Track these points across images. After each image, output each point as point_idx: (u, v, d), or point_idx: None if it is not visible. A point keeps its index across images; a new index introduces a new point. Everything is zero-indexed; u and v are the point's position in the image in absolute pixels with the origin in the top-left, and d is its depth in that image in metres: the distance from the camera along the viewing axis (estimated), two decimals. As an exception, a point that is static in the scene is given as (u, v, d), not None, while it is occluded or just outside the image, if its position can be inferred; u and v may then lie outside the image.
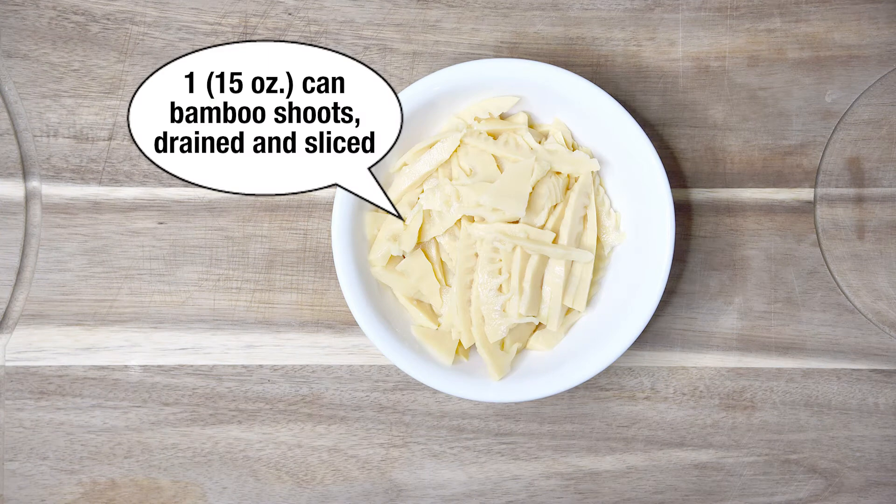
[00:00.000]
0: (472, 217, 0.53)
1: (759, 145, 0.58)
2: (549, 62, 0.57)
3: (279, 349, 0.57)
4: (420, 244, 0.54)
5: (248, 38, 0.57)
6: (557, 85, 0.52)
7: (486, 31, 0.57)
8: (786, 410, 0.57)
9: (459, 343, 0.54)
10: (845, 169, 0.58)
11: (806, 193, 0.58)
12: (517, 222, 0.53)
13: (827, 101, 0.58)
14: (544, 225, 0.53)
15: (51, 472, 0.57)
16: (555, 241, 0.53)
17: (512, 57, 0.56)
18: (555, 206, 0.53)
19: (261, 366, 0.57)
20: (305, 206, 0.57)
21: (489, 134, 0.54)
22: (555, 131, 0.54)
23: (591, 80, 0.58)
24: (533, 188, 0.53)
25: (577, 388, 0.57)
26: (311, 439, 0.57)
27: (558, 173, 0.54)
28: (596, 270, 0.54)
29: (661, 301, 0.57)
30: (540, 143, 0.54)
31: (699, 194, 0.58)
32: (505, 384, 0.52)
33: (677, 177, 0.57)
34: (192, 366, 0.57)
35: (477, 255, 0.53)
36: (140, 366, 0.57)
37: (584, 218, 0.54)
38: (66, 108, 0.57)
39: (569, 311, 0.54)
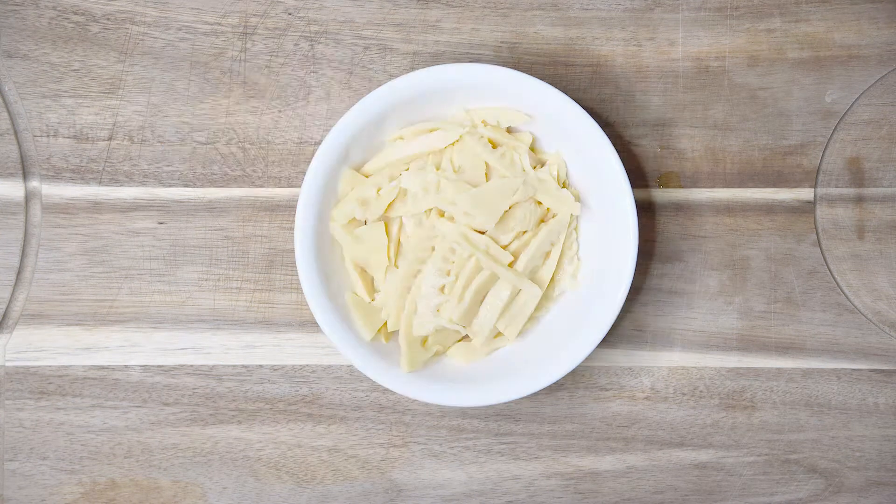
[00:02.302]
0: (443, 212, 0.53)
1: (759, 145, 0.58)
2: (549, 62, 0.57)
3: (279, 349, 0.57)
4: (385, 217, 0.54)
5: (248, 38, 0.57)
6: (567, 119, 0.52)
7: (486, 31, 0.57)
8: (786, 410, 0.57)
9: (385, 324, 0.54)
10: (845, 169, 0.58)
11: (806, 193, 0.58)
12: (483, 233, 0.53)
13: (827, 101, 0.58)
14: (507, 246, 0.53)
15: (51, 472, 0.57)
16: (510, 265, 0.53)
17: (540, 79, 0.54)
18: (524, 232, 0.54)
19: (261, 366, 0.57)
20: (305, 206, 0.57)
21: (490, 141, 0.54)
22: (552, 163, 0.54)
23: (591, 79, 0.58)
24: (510, 208, 0.53)
25: (577, 388, 0.57)
26: (311, 439, 0.57)
27: (539, 203, 0.54)
28: (539, 307, 0.55)
29: (660, 301, 0.57)
30: (535, 168, 0.54)
31: (699, 194, 0.58)
32: (410, 378, 0.52)
33: (677, 177, 0.57)
34: (192, 366, 0.57)
35: (433, 249, 0.53)
36: (140, 366, 0.57)
37: (548, 254, 0.54)
38: (66, 108, 0.57)
39: (499, 335, 0.54)
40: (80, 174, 0.57)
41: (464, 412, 0.57)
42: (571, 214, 0.54)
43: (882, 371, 0.57)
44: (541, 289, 0.54)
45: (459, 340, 0.55)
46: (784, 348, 0.57)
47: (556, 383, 0.57)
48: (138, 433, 0.57)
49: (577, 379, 0.57)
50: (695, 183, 0.58)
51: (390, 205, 0.53)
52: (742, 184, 0.58)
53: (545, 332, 0.55)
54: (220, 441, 0.57)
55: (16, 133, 0.57)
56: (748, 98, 0.58)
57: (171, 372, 0.57)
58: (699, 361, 0.57)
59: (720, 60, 0.58)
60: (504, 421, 0.57)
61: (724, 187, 0.58)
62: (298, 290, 0.57)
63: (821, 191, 0.58)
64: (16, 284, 0.57)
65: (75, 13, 0.57)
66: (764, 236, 0.58)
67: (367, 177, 0.54)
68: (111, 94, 0.57)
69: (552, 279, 0.55)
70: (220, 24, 0.57)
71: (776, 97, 0.58)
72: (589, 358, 0.57)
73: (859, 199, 0.58)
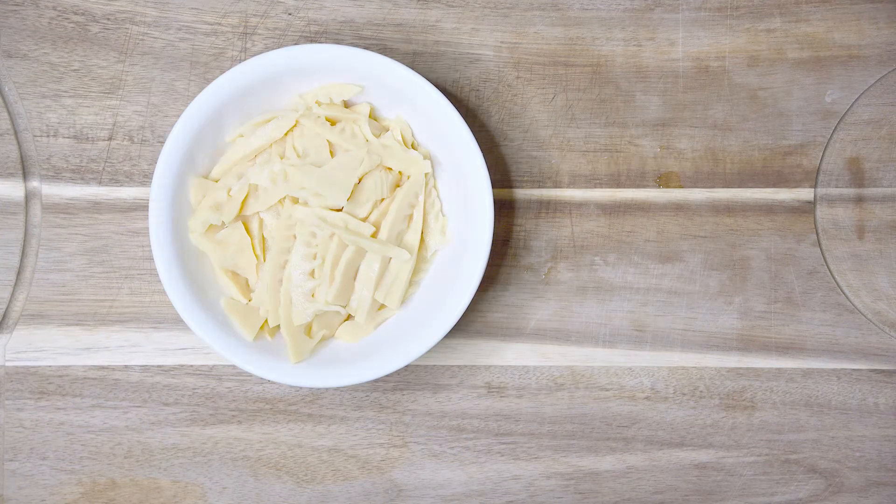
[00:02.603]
0: (297, 198, 0.53)
1: (759, 145, 0.58)
2: (549, 62, 0.57)
3: (279, 349, 0.57)
4: (242, 217, 0.54)
5: (248, 38, 0.57)
6: (399, 82, 0.52)
7: (485, 31, 0.57)
8: (786, 410, 0.57)
9: (266, 321, 0.54)
10: (845, 169, 0.58)
11: (806, 193, 0.58)
12: (340, 210, 0.53)
13: (827, 101, 0.58)
14: (367, 218, 0.53)
15: (51, 472, 0.57)
16: (374, 235, 0.53)
17: (362, 48, 0.54)
18: (381, 200, 0.54)
19: (261, 366, 0.57)
20: (305, 206, 0.57)
21: (328, 119, 0.54)
22: (394, 127, 0.54)
23: (591, 79, 0.58)
24: (360, 180, 0.53)
25: (577, 388, 0.57)
26: (311, 439, 0.57)
27: (390, 169, 0.54)
28: (417, 271, 0.55)
29: (660, 301, 0.57)
30: (378, 136, 0.54)
31: (699, 194, 0.58)
32: (299, 368, 0.52)
33: (677, 177, 0.57)
34: (192, 366, 0.57)
35: (295, 237, 0.53)
36: (140, 366, 0.57)
37: (411, 217, 0.54)
38: (66, 108, 0.57)
39: (382, 306, 0.54)
40: (80, 174, 0.57)
41: (464, 412, 0.57)
42: (425, 173, 0.54)
43: (882, 371, 0.57)
44: (410, 253, 0.54)
45: (346, 320, 0.54)
46: (784, 348, 0.57)
47: (555, 384, 0.57)
48: (138, 433, 0.57)
49: (577, 379, 0.57)
50: (695, 183, 0.58)
51: (244, 203, 0.53)
52: (742, 184, 0.58)
53: (427, 293, 0.55)
54: (220, 441, 0.57)
55: (16, 133, 0.57)
56: (748, 98, 0.58)
57: (171, 372, 0.57)
58: (699, 361, 0.57)
59: (720, 60, 0.58)
60: (504, 421, 0.57)
61: (724, 187, 0.58)
62: (298, 290, 0.57)
63: (821, 191, 0.58)
64: (16, 284, 0.57)
65: (75, 13, 0.57)
66: (764, 236, 0.58)
67: (216, 181, 0.54)
68: (111, 94, 0.57)
69: (422, 240, 0.54)
70: (220, 24, 0.57)
71: (776, 97, 0.58)
72: (589, 358, 0.57)
73: (859, 200, 0.58)
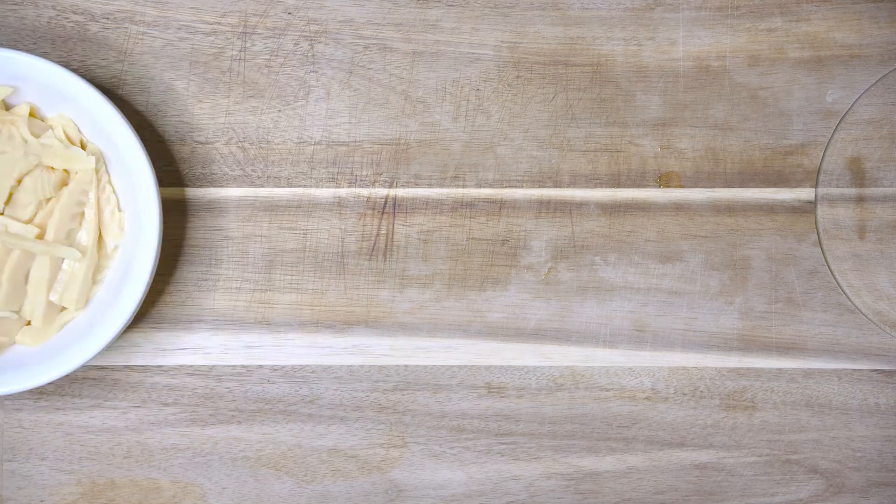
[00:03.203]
0: None
1: (759, 145, 0.58)
2: (549, 62, 0.57)
3: (279, 349, 0.57)
4: None
5: (247, 38, 0.57)
6: (55, 81, 0.52)
7: (485, 31, 0.57)
8: (786, 410, 0.57)
9: None
10: (846, 169, 0.58)
11: (807, 193, 0.58)
12: (1, 214, 0.52)
13: (828, 100, 0.58)
14: (31, 220, 0.53)
15: (50, 473, 0.57)
16: (41, 237, 0.53)
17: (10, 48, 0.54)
18: (47, 200, 0.53)
19: (260, 366, 0.57)
20: (305, 206, 0.57)
21: None
22: (56, 125, 0.54)
23: (591, 79, 0.58)
24: (18, 182, 0.52)
25: (577, 388, 0.57)
26: (311, 439, 0.57)
27: (53, 168, 0.53)
28: (100, 269, 0.54)
29: (660, 301, 0.57)
30: (38, 136, 0.53)
31: (700, 194, 0.58)
32: None
33: (677, 176, 0.57)
34: (191, 366, 0.57)
35: None
36: (140, 366, 0.57)
37: (82, 215, 0.54)
38: (66, 108, 0.57)
39: (64, 308, 0.54)
40: (80, 174, 0.57)
41: (464, 412, 0.57)
42: (96, 170, 0.53)
43: (883, 371, 0.57)
44: (83, 251, 0.53)
45: (27, 324, 0.54)
46: (785, 348, 0.57)
47: (555, 384, 0.57)
48: (138, 433, 0.57)
49: (577, 379, 0.57)
50: (695, 183, 0.58)
51: None
52: (743, 184, 0.57)
53: (110, 289, 0.54)
54: (219, 441, 0.57)
55: (15, 133, 0.57)
56: (749, 98, 0.57)
57: (170, 372, 0.57)
58: (700, 361, 0.57)
59: (721, 60, 0.58)
60: (504, 421, 0.57)
61: (724, 187, 0.58)
62: (298, 290, 0.57)
63: (822, 191, 0.58)
64: (15, 284, 0.57)
65: (74, 12, 0.57)
66: (765, 236, 0.57)
67: None
68: (110, 93, 0.57)
69: (101, 237, 0.54)
70: (219, 23, 0.57)
71: (777, 97, 0.58)
72: (589, 358, 0.57)
73: (860, 199, 0.58)
